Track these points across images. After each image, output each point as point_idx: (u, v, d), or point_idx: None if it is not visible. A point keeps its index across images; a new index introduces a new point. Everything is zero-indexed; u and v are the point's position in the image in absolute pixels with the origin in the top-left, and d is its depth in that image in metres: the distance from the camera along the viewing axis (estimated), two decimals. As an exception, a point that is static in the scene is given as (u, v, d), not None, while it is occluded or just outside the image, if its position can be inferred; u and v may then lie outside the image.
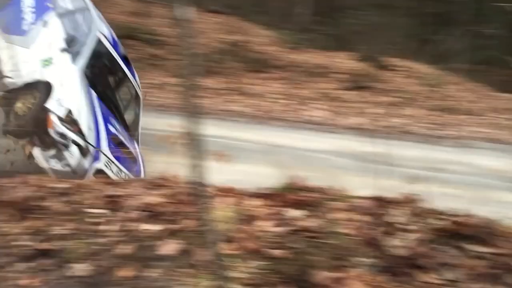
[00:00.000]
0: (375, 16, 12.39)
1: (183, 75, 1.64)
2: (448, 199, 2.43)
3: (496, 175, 6.46)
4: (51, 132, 4.13)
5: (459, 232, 2.17)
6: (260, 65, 11.18)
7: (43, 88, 4.26)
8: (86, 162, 4.44)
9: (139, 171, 5.38)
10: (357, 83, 11.00)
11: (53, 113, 4.19)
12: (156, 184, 2.67)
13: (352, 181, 2.70)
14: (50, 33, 4.63)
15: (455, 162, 7.32)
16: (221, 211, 2.27)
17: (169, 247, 2.19)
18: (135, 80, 6.06)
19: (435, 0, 13.67)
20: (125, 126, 5.53)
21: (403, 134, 9.05)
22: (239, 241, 2.17)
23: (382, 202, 2.39)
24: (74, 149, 4.27)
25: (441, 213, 2.32)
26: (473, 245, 2.15)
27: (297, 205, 2.46)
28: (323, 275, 1.99)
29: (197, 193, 1.82)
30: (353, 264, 2.07)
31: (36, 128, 4.12)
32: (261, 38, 12.68)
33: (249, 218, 2.34)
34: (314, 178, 2.55)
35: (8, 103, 4.28)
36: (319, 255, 2.10)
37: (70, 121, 4.31)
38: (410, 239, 2.15)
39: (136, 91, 6.04)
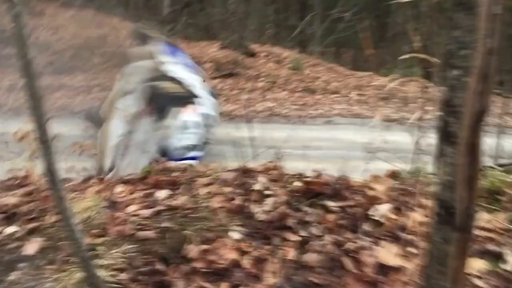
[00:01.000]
0: (239, 4, 12.71)
1: (23, 75, 1.55)
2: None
3: (356, 147, 7.10)
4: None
5: (315, 191, 2.38)
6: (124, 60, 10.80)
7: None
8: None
9: None
10: (226, 71, 11.26)
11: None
12: (9, 185, 2.49)
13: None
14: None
15: (321, 139, 7.88)
16: (86, 201, 2.21)
17: (32, 246, 2.08)
18: None
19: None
20: None
21: (273, 117, 9.49)
22: (107, 228, 2.14)
23: (246, 173, 2.52)
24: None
25: (299, 176, 2.51)
26: (328, 201, 2.37)
27: (166, 185, 2.49)
28: (193, 249, 2.04)
29: (52, 187, 1.75)
30: (222, 234, 2.16)
31: None
32: (122, 32, 12.27)
33: (117, 204, 2.31)
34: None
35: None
36: (190, 230, 2.16)
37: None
38: (273, 203, 2.30)
39: None
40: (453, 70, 1.39)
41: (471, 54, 1.34)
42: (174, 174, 2.54)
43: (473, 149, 1.48)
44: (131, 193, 2.47)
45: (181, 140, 5.29)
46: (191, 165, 2.63)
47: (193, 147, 5.36)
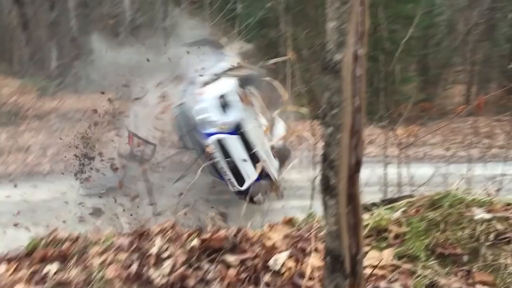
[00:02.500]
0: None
1: None
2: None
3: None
4: None
5: (214, 247, 2.36)
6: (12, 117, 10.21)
7: None
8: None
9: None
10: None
11: None
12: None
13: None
14: None
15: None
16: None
17: None
18: None
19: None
20: None
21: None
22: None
23: (142, 236, 2.43)
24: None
25: (198, 232, 2.48)
26: (228, 255, 2.36)
27: (56, 258, 2.32)
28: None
29: None
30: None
31: None
32: (7, 89, 11.53)
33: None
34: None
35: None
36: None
37: None
38: (171, 265, 2.23)
39: None
40: (328, 128, 1.49)
41: (341, 113, 1.46)
42: (64, 245, 2.37)
43: (353, 199, 1.58)
44: (17, 271, 2.25)
45: None
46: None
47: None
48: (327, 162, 1.53)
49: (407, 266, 2.11)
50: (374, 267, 2.14)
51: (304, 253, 2.37)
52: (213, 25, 9.57)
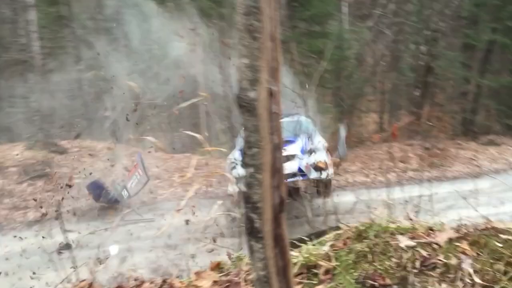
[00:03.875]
0: (42, 101, 11.95)
1: None
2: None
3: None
4: None
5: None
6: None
7: None
8: None
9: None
10: (34, 173, 10.27)
11: None
12: None
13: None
14: None
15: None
16: None
17: None
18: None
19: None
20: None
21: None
22: None
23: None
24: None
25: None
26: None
27: None
28: None
29: None
30: None
31: None
32: None
33: None
34: None
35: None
36: None
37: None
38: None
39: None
40: (248, 168, 1.42)
41: (260, 152, 1.40)
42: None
43: (280, 240, 1.51)
44: None
45: None
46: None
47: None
48: (250, 204, 1.46)
49: (340, 301, 2.06)
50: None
51: (235, 298, 2.26)
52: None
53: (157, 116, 13.39)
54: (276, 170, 1.44)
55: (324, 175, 7.86)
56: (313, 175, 7.84)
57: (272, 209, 1.45)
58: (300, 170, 7.92)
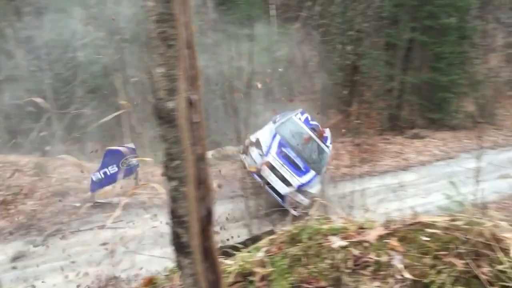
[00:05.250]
0: None
1: None
2: None
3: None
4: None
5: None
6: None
7: None
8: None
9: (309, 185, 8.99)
10: None
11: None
12: None
13: None
14: None
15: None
16: None
17: None
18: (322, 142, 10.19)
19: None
20: (304, 158, 9.55)
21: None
22: None
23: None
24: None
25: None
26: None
27: None
28: None
29: None
30: None
31: None
32: None
33: None
34: None
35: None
36: None
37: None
38: None
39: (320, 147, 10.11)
40: (171, 181, 1.36)
41: (183, 164, 1.34)
42: None
43: (209, 254, 1.46)
44: None
45: None
46: None
47: None
48: (176, 219, 1.39)
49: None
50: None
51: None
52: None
53: (87, 125, 12.89)
54: (201, 181, 1.38)
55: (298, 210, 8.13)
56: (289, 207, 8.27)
57: (199, 222, 1.40)
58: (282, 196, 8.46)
